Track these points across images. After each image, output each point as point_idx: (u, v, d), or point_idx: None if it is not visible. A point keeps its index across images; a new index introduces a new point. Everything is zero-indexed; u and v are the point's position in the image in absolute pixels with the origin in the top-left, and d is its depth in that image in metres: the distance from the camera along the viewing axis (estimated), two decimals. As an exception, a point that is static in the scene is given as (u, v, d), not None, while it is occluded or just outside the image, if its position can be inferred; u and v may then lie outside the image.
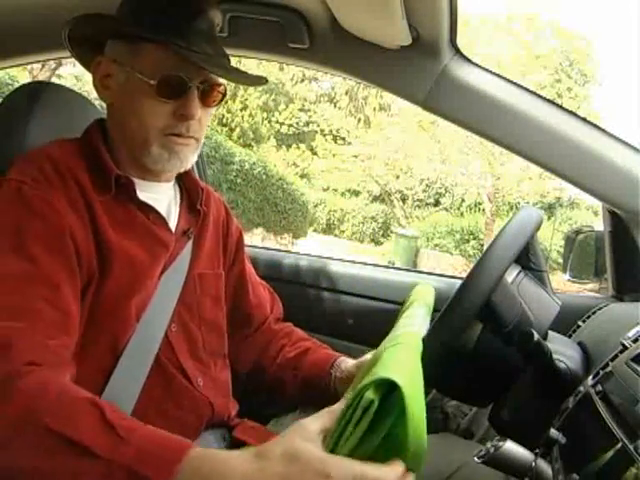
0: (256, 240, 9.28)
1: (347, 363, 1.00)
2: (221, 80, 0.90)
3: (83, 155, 0.88)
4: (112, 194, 0.86)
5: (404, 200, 13.25)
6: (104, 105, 0.95)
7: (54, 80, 7.57)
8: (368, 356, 0.93)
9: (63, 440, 0.58)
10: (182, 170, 0.94)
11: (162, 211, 0.93)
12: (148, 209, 0.90)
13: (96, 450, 0.57)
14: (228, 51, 0.96)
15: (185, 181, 1.01)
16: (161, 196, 0.95)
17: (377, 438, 0.56)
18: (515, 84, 1.14)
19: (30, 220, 0.77)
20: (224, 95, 0.92)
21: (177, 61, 0.85)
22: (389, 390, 0.55)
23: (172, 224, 0.95)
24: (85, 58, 0.95)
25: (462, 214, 13.03)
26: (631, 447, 0.52)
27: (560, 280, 1.60)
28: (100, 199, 0.85)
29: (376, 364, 0.61)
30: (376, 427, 0.55)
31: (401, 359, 0.62)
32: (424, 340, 0.72)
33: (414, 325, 0.78)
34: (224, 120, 13.66)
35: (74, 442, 0.57)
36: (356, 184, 13.98)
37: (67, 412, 0.60)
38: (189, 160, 0.91)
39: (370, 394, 0.54)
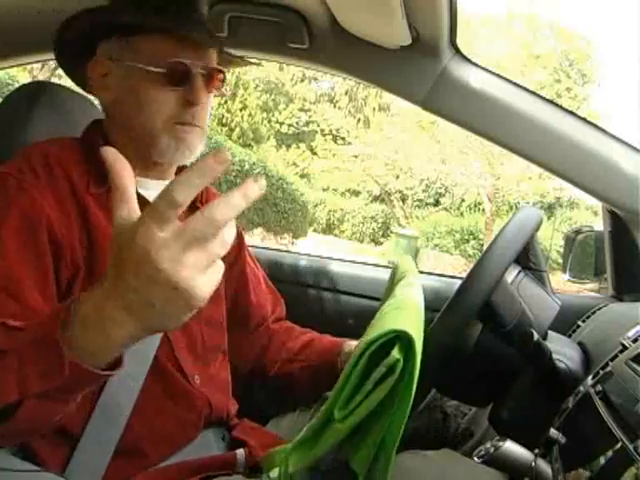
0: (256, 240, 9.27)
1: (352, 346, 1.00)
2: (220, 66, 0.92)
3: (78, 151, 0.88)
4: (107, 188, 0.86)
5: (404, 200, 13.25)
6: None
7: (54, 80, 7.56)
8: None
9: None
10: (190, 161, 0.92)
11: None
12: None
13: None
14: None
15: None
16: None
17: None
18: (515, 84, 1.14)
19: (7, 210, 0.77)
20: (223, 81, 0.93)
21: (178, 49, 0.86)
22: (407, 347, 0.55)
23: None
24: (74, 64, 0.94)
25: (462, 214, 13.01)
26: (631, 447, 0.52)
27: (560, 280, 1.59)
28: (96, 193, 0.85)
29: (381, 324, 0.61)
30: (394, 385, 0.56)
31: (405, 320, 0.62)
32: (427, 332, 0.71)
33: (413, 294, 0.77)
34: (224, 120, 13.65)
35: None
36: (356, 184, 13.97)
37: None
38: (197, 149, 0.91)
39: (396, 353, 0.55)
